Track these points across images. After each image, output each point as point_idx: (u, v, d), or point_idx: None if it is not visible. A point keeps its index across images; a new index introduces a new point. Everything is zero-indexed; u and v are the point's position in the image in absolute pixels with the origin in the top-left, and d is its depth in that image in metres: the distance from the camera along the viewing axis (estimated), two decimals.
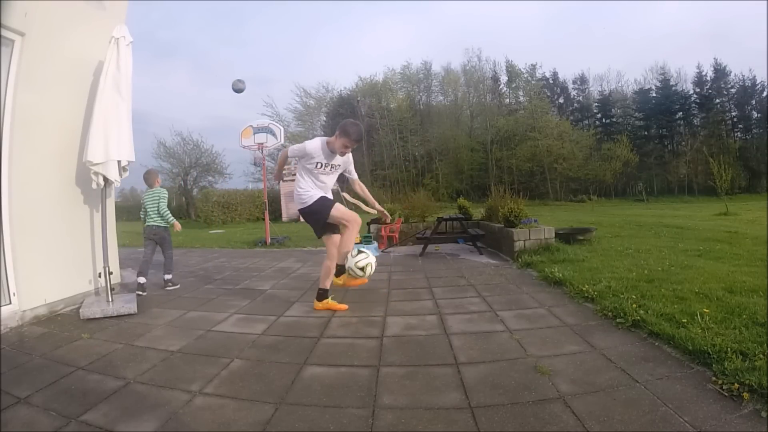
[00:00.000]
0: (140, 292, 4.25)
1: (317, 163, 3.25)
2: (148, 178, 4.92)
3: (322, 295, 3.46)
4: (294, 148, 3.37)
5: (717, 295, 3.10)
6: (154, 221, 4.72)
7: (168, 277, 4.71)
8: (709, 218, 12.81)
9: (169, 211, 4.77)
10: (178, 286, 4.74)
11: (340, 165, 3.38)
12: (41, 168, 3.52)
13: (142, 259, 4.63)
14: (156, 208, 4.69)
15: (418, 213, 9.34)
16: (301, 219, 3.55)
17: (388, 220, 3.83)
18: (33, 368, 2.37)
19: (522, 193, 9.30)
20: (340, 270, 3.46)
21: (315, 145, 3.26)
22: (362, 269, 3.32)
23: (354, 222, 3.28)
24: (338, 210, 3.28)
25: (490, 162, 36.59)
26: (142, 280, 4.44)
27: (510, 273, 4.81)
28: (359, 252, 3.38)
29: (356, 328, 3.01)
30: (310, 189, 3.29)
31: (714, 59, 37.42)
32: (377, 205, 3.78)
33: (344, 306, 3.47)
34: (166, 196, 4.86)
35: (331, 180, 3.41)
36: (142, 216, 4.88)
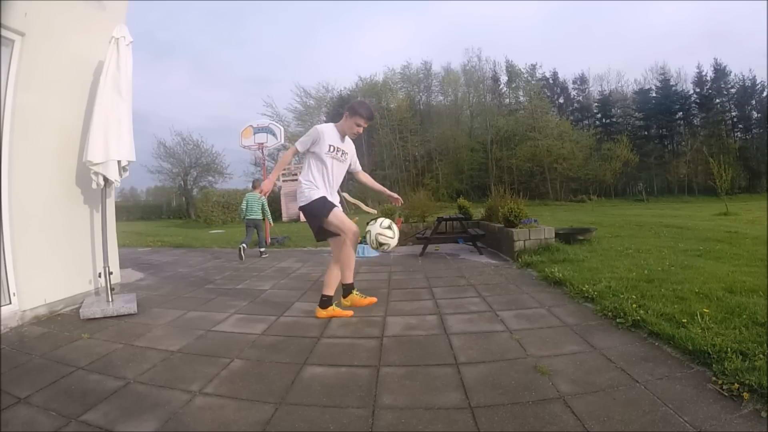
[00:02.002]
0: (243, 254, 6.83)
1: (330, 146, 3.08)
2: (256, 182, 7.75)
3: (326, 302, 3.24)
4: (306, 137, 3.11)
5: (717, 295, 3.09)
6: (253, 215, 7.27)
7: (262, 249, 7.24)
8: (709, 218, 12.81)
9: (269, 211, 7.54)
10: (267, 255, 7.08)
11: (348, 153, 3.24)
12: (41, 168, 3.52)
13: (246, 237, 7.24)
14: (260, 207, 7.32)
15: (418, 213, 9.33)
16: (302, 218, 3.46)
17: (400, 203, 3.56)
18: (33, 368, 2.37)
19: (522, 193, 9.33)
20: (347, 290, 3.35)
21: (327, 126, 3.12)
22: (381, 245, 3.11)
23: (351, 232, 3.05)
24: (336, 217, 3.04)
25: (490, 162, 36.60)
26: (244, 246, 6.96)
27: (510, 273, 4.81)
28: (380, 245, 3.11)
29: (356, 328, 3.01)
30: (316, 184, 3.08)
31: (714, 59, 37.52)
32: (387, 192, 3.55)
33: (349, 312, 3.27)
34: (265, 199, 6.90)
35: (342, 170, 3.24)
36: (243, 209, 7.32)
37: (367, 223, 3.25)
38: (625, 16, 61.00)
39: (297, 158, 3.37)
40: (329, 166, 3.11)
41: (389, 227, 3.15)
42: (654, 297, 3.14)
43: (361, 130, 3.15)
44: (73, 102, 3.79)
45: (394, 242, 3.16)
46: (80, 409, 1.88)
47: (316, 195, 3.07)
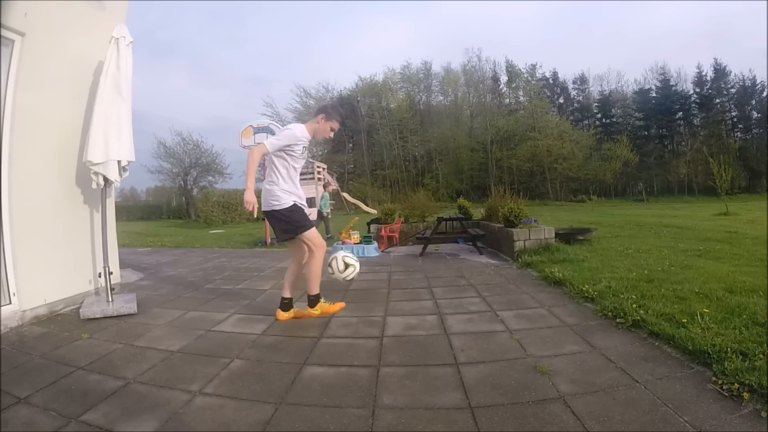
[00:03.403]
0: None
1: (303, 147, 3.06)
2: (326, 184, 11.67)
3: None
4: (279, 139, 2.98)
5: (717, 295, 3.09)
6: (324, 209, 10.57)
7: (328, 236, 9.38)
8: (709, 218, 12.82)
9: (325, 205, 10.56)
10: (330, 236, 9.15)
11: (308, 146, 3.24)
12: (41, 168, 3.51)
13: (315, 222, 8.17)
14: (327, 203, 10.79)
15: (418, 213, 9.33)
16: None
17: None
18: (33, 368, 2.37)
19: (522, 193, 9.34)
20: (314, 301, 3.19)
21: (302, 129, 3.06)
22: (350, 280, 3.31)
23: (321, 248, 3.06)
24: (312, 233, 3.04)
25: (490, 162, 36.63)
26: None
27: (510, 273, 4.81)
28: (347, 267, 3.26)
29: (356, 328, 3.01)
30: (289, 188, 3.02)
31: (714, 59, 37.60)
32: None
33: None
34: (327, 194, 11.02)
35: (302, 164, 3.18)
36: (321, 205, 10.63)
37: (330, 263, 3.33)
38: (625, 16, 61.11)
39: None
40: (297, 167, 3.09)
41: (345, 268, 3.28)
42: (654, 297, 3.14)
43: (333, 134, 3.19)
44: (73, 102, 3.78)
45: (354, 271, 3.29)
46: (80, 409, 1.88)
47: (292, 200, 3.00)
